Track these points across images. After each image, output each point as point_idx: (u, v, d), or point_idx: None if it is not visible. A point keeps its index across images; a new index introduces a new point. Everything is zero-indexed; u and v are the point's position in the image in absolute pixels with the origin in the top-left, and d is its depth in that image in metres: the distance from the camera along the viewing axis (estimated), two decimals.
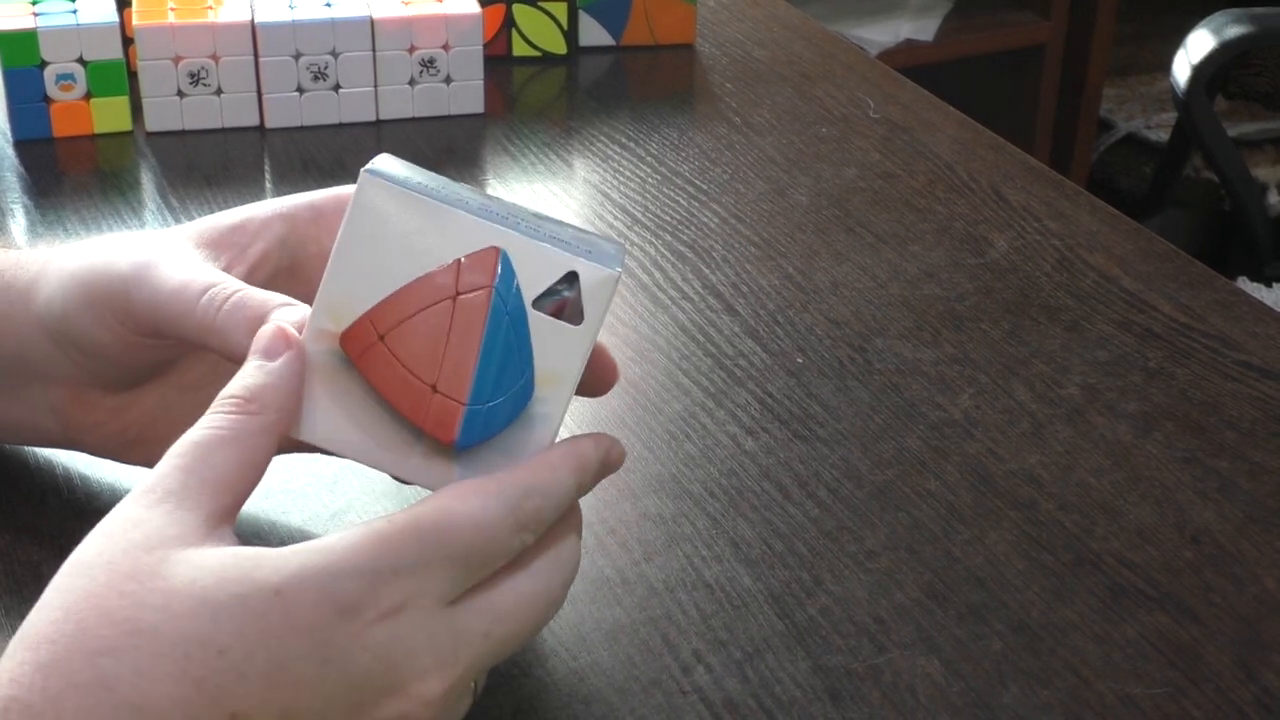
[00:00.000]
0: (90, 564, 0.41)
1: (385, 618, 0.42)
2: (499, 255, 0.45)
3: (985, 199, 0.83)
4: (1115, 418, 0.65)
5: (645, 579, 0.56)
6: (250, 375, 0.45)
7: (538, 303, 0.45)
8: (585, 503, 0.60)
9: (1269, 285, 1.68)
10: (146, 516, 0.41)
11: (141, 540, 0.41)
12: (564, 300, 0.45)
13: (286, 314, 0.47)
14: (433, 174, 0.48)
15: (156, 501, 0.42)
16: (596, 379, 0.49)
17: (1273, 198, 2.11)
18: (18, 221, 0.79)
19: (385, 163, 0.46)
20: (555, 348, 0.45)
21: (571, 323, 0.45)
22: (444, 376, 0.45)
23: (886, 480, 0.61)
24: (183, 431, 0.54)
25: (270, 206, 0.53)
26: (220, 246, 0.52)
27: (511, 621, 0.44)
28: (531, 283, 0.45)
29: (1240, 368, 0.69)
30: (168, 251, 0.51)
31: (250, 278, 0.51)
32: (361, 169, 0.45)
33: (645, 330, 0.70)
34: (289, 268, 0.53)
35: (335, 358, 0.46)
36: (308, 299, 0.47)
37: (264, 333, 0.45)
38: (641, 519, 0.59)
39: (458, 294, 0.45)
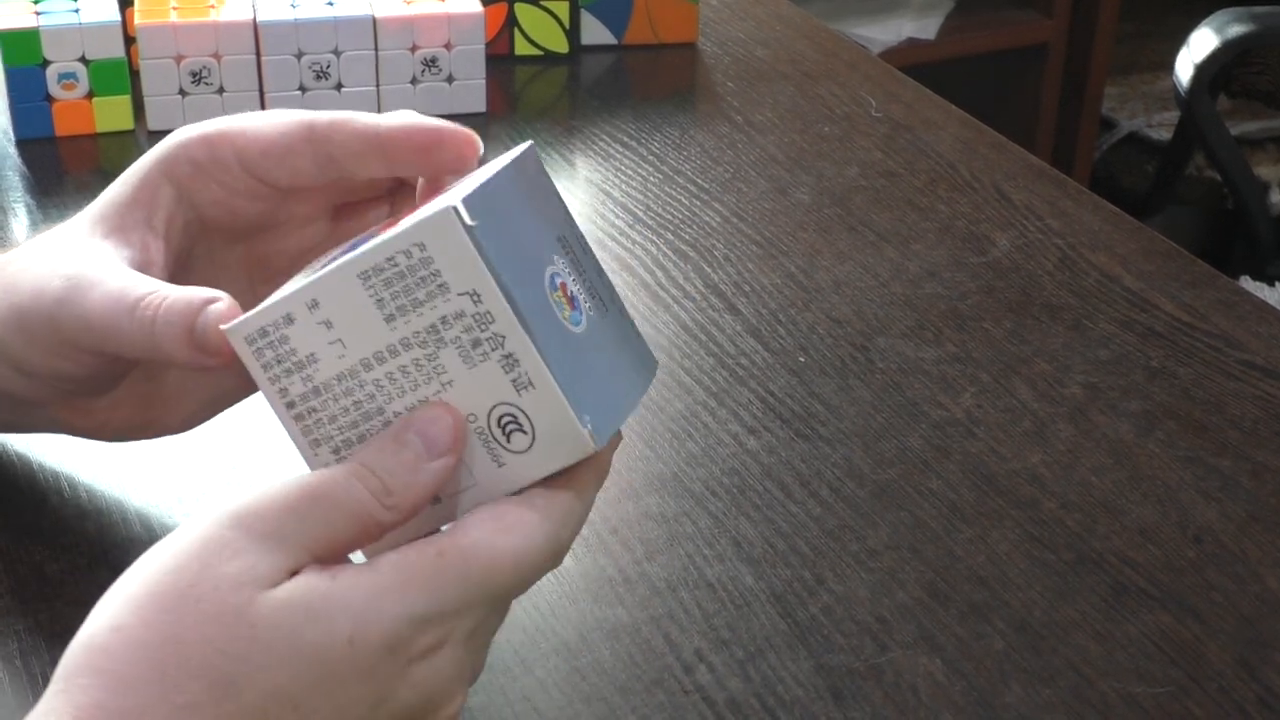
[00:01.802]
0: (179, 595, 0.39)
1: (427, 654, 0.42)
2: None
3: (987, 198, 0.82)
4: (1117, 417, 0.65)
5: (647, 578, 0.56)
6: (400, 467, 0.43)
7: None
8: None
9: (1271, 284, 1.68)
10: (245, 548, 0.40)
11: (233, 577, 0.40)
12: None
13: (214, 311, 0.46)
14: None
15: (260, 535, 0.41)
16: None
17: (1275, 196, 2.11)
18: (20, 220, 0.79)
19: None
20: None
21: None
22: None
23: (888, 479, 0.61)
24: (184, 400, 0.54)
25: (148, 166, 0.51)
26: (126, 230, 0.50)
27: (489, 635, 0.46)
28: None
29: (1242, 367, 0.69)
30: (86, 265, 0.49)
31: (168, 246, 0.51)
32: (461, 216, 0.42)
33: (647, 329, 0.70)
34: (196, 218, 0.52)
35: None
36: (227, 237, 0.49)
37: (434, 418, 0.44)
38: (643, 518, 0.59)
39: None
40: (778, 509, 0.60)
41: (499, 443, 0.44)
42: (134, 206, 0.51)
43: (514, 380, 0.43)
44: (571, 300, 0.45)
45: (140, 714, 0.38)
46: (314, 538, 0.42)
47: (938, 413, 0.65)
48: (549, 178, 0.47)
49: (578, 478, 0.45)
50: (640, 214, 0.80)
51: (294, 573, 0.41)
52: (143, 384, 0.54)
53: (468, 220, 0.42)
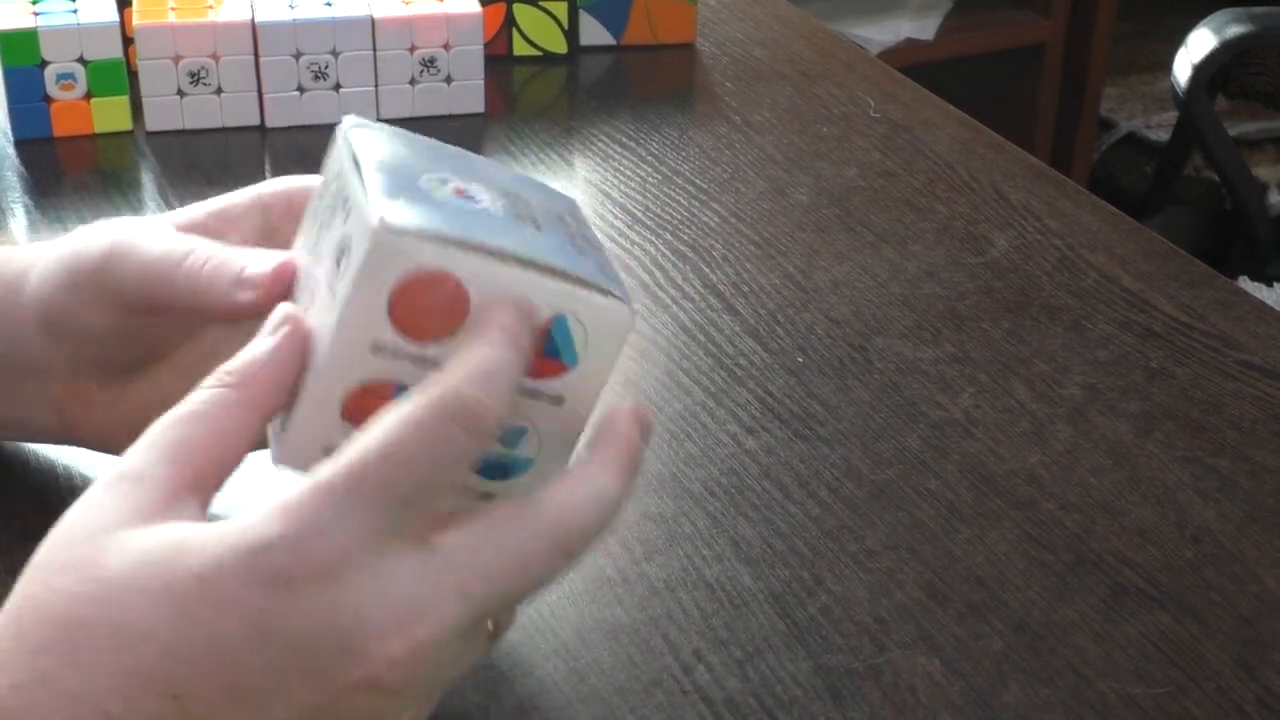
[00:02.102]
0: (36, 564, 0.40)
1: (317, 581, 0.39)
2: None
3: (986, 198, 0.83)
4: (1116, 417, 0.65)
5: (646, 578, 0.56)
6: (243, 351, 0.43)
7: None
8: None
9: (1270, 284, 1.69)
10: (100, 500, 0.41)
11: (85, 527, 0.40)
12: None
13: (259, 261, 0.47)
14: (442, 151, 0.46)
15: (113, 482, 0.41)
16: None
17: (1273, 197, 2.11)
18: (18, 221, 0.79)
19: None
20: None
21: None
22: None
23: (887, 479, 0.61)
24: None
25: (247, 195, 0.53)
26: (198, 231, 0.51)
27: (496, 576, 0.41)
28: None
29: (1241, 367, 0.69)
30: (148, 228, 0.51)
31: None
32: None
33: (646, 329, 0.70)
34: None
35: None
36: None
37: (276, 311, 0.44)
38: (642, 518, 0.59)
39: None
40: (776, 509, 0.60)
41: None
42: (214, 218, 0.53)
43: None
44: (470, 197, 0.44)
45: (3, 666, 0.38)
46: (165, 453, 0.41)
47: (936, 413, 0.65)
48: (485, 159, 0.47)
49: (483, 327, 0.42)
50: (639, 214, 0.80)
51: (167, 501, 0.40)
52: (146, 393, 0.55)
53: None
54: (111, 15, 0.85)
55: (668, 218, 0.80)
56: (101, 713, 0.38)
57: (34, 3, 0.86)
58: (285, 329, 0.43)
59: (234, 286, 0.47)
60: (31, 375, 0.55)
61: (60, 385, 0.55)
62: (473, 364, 0.41)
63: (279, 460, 0.44)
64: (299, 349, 0.43)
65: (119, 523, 0.40)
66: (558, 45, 0.99)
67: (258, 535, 0.39)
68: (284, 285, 0.46)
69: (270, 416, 0.43)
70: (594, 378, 0.45)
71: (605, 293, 0.43)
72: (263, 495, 0.41)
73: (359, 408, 0.43)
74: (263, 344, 0.43)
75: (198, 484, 0.42)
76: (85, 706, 0.38)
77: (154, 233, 0.50)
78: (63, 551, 0.40)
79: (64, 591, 0.39)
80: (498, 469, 0.45)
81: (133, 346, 0.53)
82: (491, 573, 0.41)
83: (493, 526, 0.41)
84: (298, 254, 0.47)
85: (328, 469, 0.40)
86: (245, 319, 0.47)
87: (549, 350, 0.43)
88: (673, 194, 0.83)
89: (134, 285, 0.50)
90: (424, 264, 0.41)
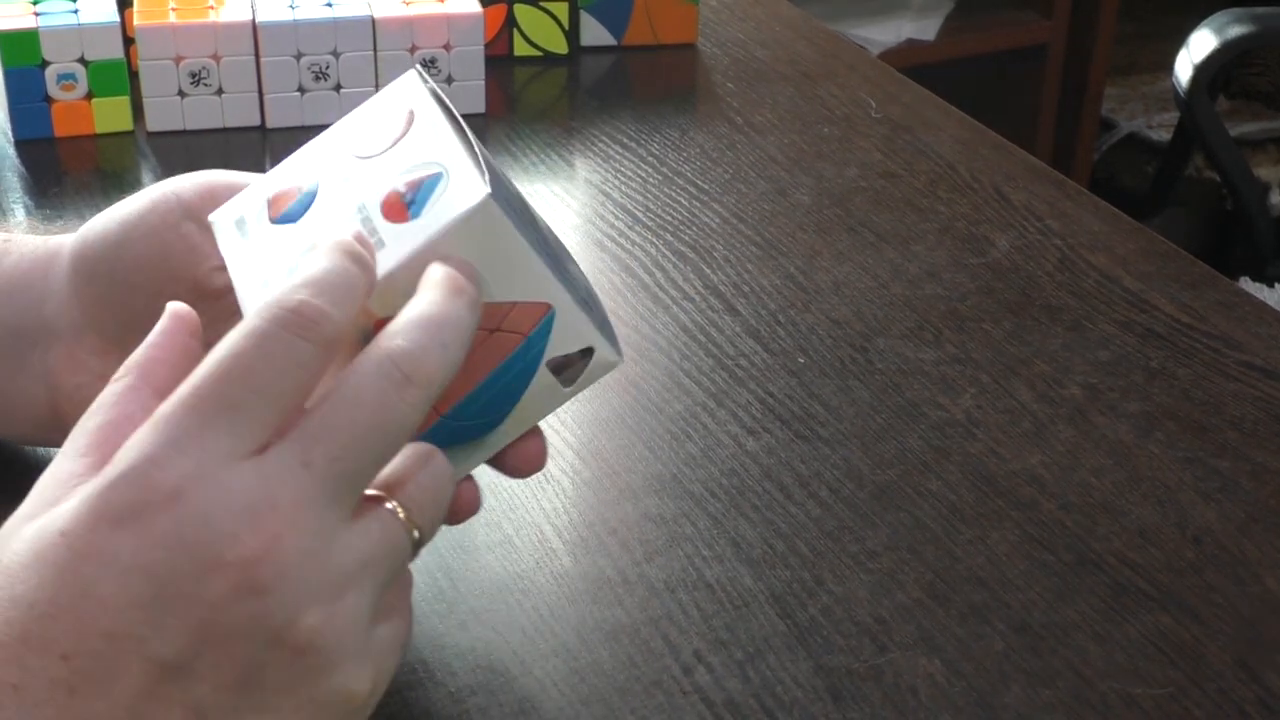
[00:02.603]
0: None
1: (164, 507, 0.39)
2: (547, 312, 0.46)
3: (987, 199, 0.82)
4: (1117, 418, 0.65)
5: (646, 579, 0.56)
6: (142, 344, 0.44)
7: (558, 364, 0.47)
8: (584, 504, 0.60)
9: (1271, 285, 1.68)
10: (24, 503, 0.41)
11: (4, 529, 0.41)
12: (570, 366, 0.48)
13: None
14: (512, 185, 0.50)
15: (38, 484, 0.42)
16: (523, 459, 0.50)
17: (1274, 197, 2.11)
18: (19, 221, 0.79)
19: (499, 190, 0.45)
20: (539, 399, 0.48)
21: (565, 385, 0.48)
22: (446, 392, 0.45)
23: (888, 480, 0.61)
24: None
25: (224, 176, 0.55)
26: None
27: (332, 432, 0.40)
28: (557, 344, 0.47)
29: (1242, 368, 0.68)
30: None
31: None
32: (488, 192, 0.43)
33: (646, 330, 0.70)
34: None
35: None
36: None
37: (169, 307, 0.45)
38: (642, 519, 0.59)
39: (497, 330, 0.46)
40: (777, 510, 0.59)
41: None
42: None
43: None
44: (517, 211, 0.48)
45: None
46: (81, 443, 0.42)
47: (937, 414, 0.65)
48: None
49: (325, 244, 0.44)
50: (640, 215, 0.80)
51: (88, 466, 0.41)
52: None
53: None
54: (112, 15, 0.85)
55: (669, 218, 0.80)
56: (8, 686, 0.38)
57: (35, 3, 0.86)
58: (171, 312, 0.45)
59: None
60: (39, 344, 0.56)
61: (63, 352, 0.56)
62: (312, 274, 0.41)
63: None
64: (185, 330, 0.44)
65: (27, 516, 0.41)
66: (558, 45, 0.98)
67: (104, 477, 0.39)
68: None
69: (168, 393, 0.41)
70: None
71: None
72: None
73: None
74: (154, 332, 0.44)
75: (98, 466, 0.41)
76: None
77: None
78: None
79: None
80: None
81: (144, 320, 0.54)
82: (325, 431, 0.40)
83: (316, 398, 0.41)
84: (290, 172, 0.49)
85: (170, 397, 0.40)
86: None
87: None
88: (674, 194, 0.83)
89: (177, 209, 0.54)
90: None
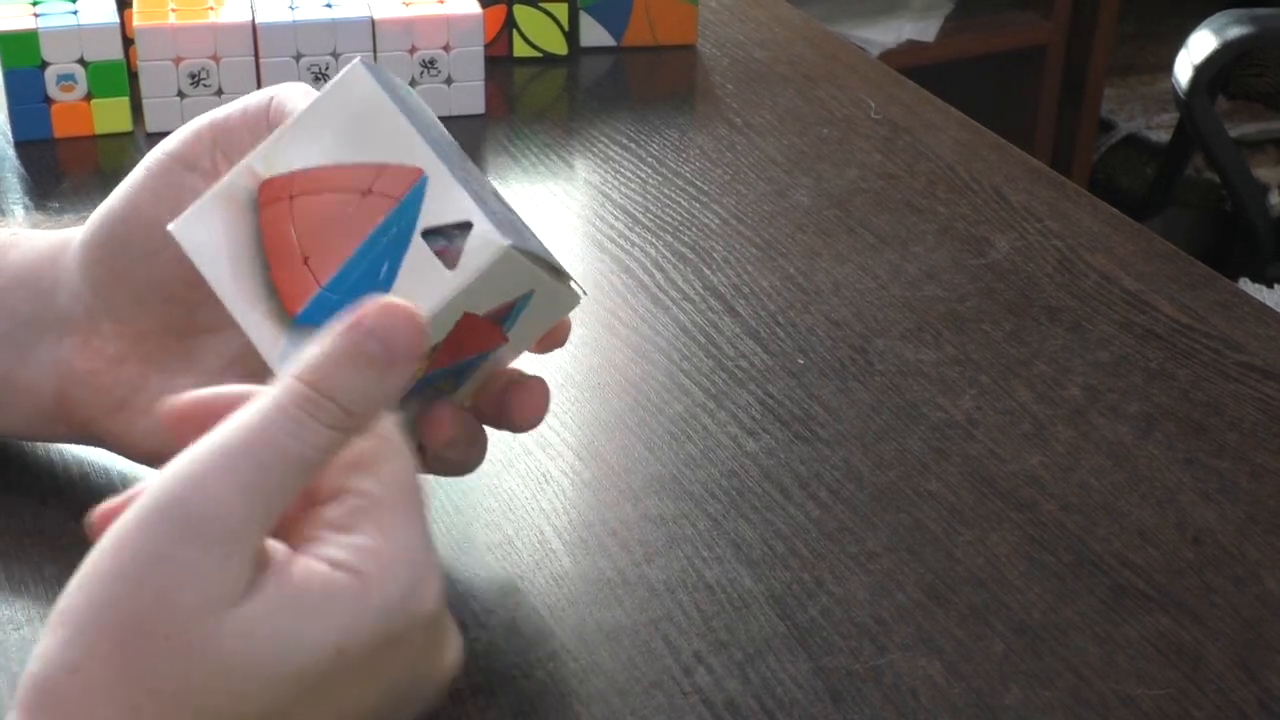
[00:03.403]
0: (141, 631, 0.37)
1: (428, 625, 0.42)
2: (419, 177, 0.47)
3: (986, 200, 0.82)
4: (1116, 418, 0.65)
5: (646, 580, 0.56)
6: (367, 384, 0.40)
7: (430, 236, 0.47)
8: (584, 505, 0.60)
9: (1270, 286, 1.69)
10: (201, 566, 0.38)
11: (195, 606, 0.38)
12: (449, 243, 0.47)
13: None
14: (422, 103, 0.51)
15: (214, 542, 0.38)
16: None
17: (1274, 198, 2.11)
18: (18, 222, 0.79)
19: (378, 69, 0.49)
20: (421, 281, 0.46)
21: (447, 266, 0.46)
22: (318, 255, 0.47)
23: (888, 481, 0.61)
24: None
25: (203, 119, 0.55)
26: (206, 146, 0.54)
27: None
28: (432, 214, 0.47)
29: (1241, 369, 0.69)
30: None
31: None
32: (359, 58, 0.48)
33: (646, 331, 0.70)
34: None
35: (246, 194, 0.48)
36: None
37: (402, 314, 0.41)
38: (642, 520, 0.59)
39: (368, 192, 0.47)
40: (777, 511, 0.59)
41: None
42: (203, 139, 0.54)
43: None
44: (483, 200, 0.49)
45: None
46: (267, 508, 0.39)
47: (937, 415, 0.65)
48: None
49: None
50: (639, 216, 0.80)
51: (258, 563, 0.39)
52: (150, 359, 0.56)
53: None
54: (112, 16, 0.85)
55: (668, 219, 0.80)
56: None
57: (34, 4, 0.86)
58: (411, 365, 0.41)
59: None
60: (49, 333, 0.56)
61: (75, 340, 0.55)
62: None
63: None
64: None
65: (228, 599, 0.38)
66: (558, 46, 0.98)
67: (385, 596, 0.40)
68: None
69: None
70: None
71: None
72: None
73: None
74: (392, 382, 0.41)
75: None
76: None
77: None
78: (177, 629, 0.37)
79: (186, 680, 0.37)
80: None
81: (160, 293, 0.54)
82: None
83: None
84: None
85: (399, 510, 0.42)
86: None
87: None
88: (673, 195, 0.83)
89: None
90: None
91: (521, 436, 0.62)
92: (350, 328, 0.40)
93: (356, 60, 0.48)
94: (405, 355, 0.40)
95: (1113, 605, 0.55)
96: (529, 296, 0.50)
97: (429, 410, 0.51)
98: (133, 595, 0.37)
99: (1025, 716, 0.51)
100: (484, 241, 0.46)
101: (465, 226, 0.46)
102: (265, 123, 0.52)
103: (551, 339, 0.54)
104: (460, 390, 0.52)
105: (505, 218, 0.49)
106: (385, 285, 0.46)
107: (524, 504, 0.59)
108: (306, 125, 0.48)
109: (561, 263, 0.52)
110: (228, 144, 0.53)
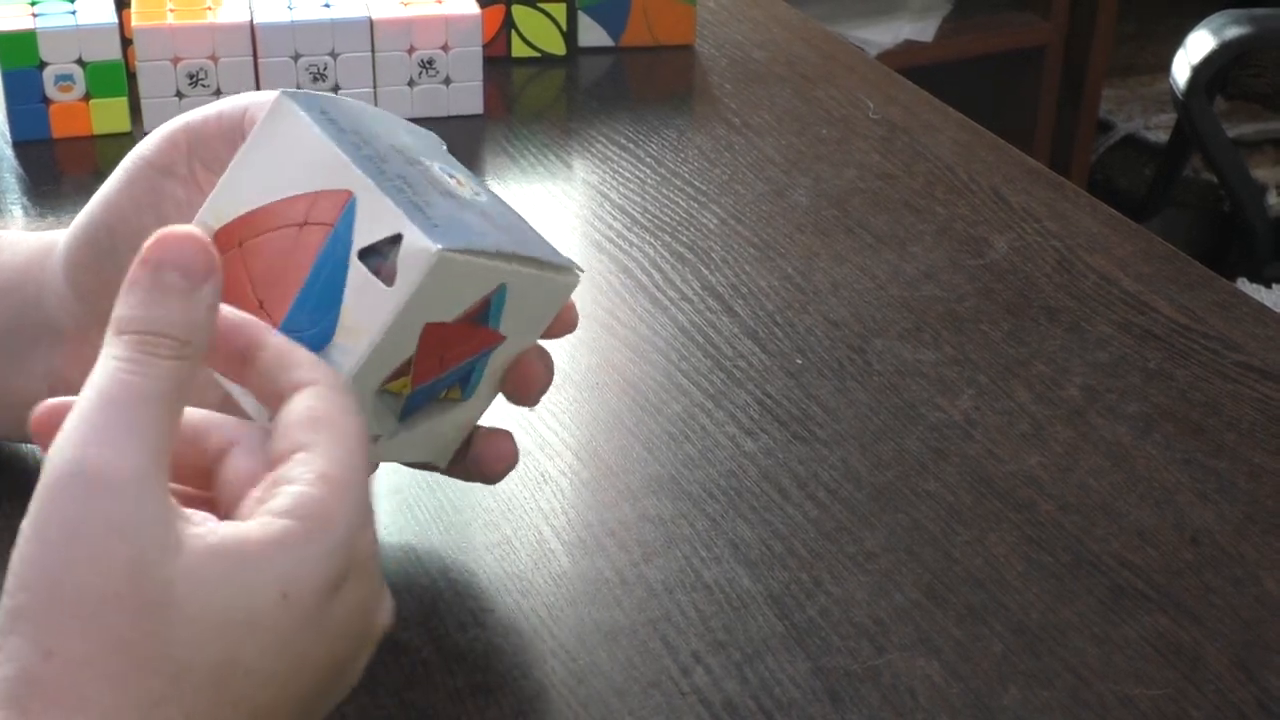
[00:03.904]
0: (98, 600, 0.38)
1: (363, 572, 0.42)
2: (349, 199, 0.46)
3: (985, 200, 0.82)
4: (1115, 419, 0.65)
5: (644, 580, 0.56)
6: (180, 310, 0.40)
7: (366, 255, 0.46)
8: (583, 505, 0.60)
9: (1269, 286, 1.69)
10: (118, 516, 0.38)
11: (134, 558, 0.38)
12: (384, 260, 0.46)
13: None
14: (370, 112, 0.51)
15: (118, 488, 0.38)
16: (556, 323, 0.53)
17: (1272, 199, 2.11)
18: (17, 222, 0.79)
19: (306, 96, 0.48)
20: (365, 302, 0.46)
21: (385, 283, 0.45)
22: (270, 297, 0.47)
23: (886, 481, 0.61)
24: None
25: (177, 123, 0.54)
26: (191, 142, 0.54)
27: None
28: (364, 234, 0.46)
29: (1240, 369, 0.69)
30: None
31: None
32: (280, 90, 0.48)
33: (644, 331, 0.70)
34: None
35: None
36: None
37: (181, 237, 0.41)
38: (640, 520, 0.59)
39: (305, 224, 0.46)
40: (775, 511, 0.59)
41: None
42: (177, 142, 0.54)
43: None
44: (450, 194, 0.49)
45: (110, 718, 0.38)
46: (152, 445, 0.39)
47: (935, 415, 0.65)
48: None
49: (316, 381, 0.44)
50: (638, 216, 0.80)
51: (169, 499, 0.39)
52: None
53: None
54: (110, 16, 0.85)
55: (666, 219, 0.80)
56: None
57: (33, 4, 0.86)
58: (214, 281, 0.41)
59: None
60: (40, 342, 0.56)
61: (67, 350, 0.55)
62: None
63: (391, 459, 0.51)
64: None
65: (163, 546, 0.39)
66: (556, 47, 0.98)
67: (325, 544, 0.40)
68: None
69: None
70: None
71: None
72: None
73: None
74: (203, 297, 0.41)
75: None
76: None
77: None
78: (126, 588, 0.38)
79: (154, 636, 0.38)
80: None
81: None
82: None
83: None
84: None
85: (339, 461, 0.42)
86: None
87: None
88: (671, 196, 0.83)
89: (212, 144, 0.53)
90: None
91: (520, 437, 0.62)
92: (140, 265, 0.41)
93: (279, 92, 0.48)
94: (203, 271, 0.41)
95: (1111, 605, 0.55)
96: (503, 291, 0.48)
97: (487, 441, 0.53)
98: (70, 567, 0.38)
99: (1024, 717, 0.51)
100: (416, 251, 0.45)
101: (397, 239, 0.45)
102: (240, 132, 0.52)
103: (560, 325, 0.54)
104: (472, 393, 0.52)
105: (456, 219, 0.47)
106: (333, 310, 0.46)
107: (522, 504, 0.59)
108: (243, 167, 0.48)
109: (557, 248, 0.51)
110: (204, 151, 0.52)
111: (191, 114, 0.53)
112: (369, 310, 0.45)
